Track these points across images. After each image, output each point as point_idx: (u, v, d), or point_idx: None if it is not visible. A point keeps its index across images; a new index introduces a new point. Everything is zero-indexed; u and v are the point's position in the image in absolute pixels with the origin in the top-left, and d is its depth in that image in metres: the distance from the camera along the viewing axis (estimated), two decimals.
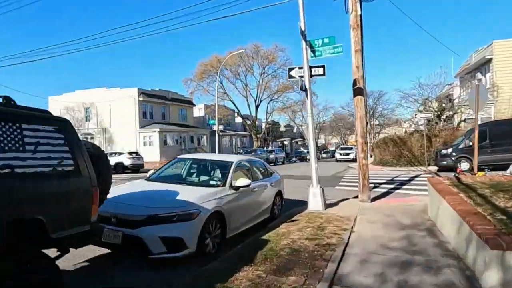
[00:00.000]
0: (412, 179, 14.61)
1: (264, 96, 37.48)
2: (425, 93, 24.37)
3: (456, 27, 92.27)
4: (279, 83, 36.13)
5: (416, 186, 12.51)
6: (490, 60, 24.16)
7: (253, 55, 34.69)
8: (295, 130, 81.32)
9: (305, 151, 60.49)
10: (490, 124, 17.46)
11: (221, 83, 35.34)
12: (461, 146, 17.60)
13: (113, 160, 22.82)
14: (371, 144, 29.65)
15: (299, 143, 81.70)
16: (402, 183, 13.29)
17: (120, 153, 25.69)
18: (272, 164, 34.06)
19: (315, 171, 8.74)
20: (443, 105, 23.84)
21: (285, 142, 75.03)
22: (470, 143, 17.40)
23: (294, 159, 46.75)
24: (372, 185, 13.14)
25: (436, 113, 21.36)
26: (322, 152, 67.14)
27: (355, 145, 53.16)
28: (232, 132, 47.62)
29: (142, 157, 26.57)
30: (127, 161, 24.84)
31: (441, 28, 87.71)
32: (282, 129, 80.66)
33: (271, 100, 37.64)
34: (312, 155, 8.93)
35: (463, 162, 17.40)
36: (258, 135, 38.77)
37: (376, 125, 62.24)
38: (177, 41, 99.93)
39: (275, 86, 36.55)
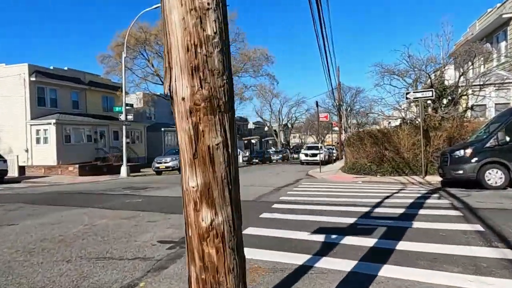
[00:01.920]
0: (412, 212, 6.81)
1: None
2: (416, 70, 16.79)
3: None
4: None
5: (431, 238, 4.65)
6: (507, 21, 16.95)
7: None
8: (266, 128, 73.45)
9: (272, 150, 52.82)
10: None
11: (148, 60, 26.90)
12: (489, 144, 10.04)
13: None
14: (344, 140, 22.11)
15: (270, 142, 73.99)
16: (394, 229, 5.45)
17: None
18: None
19: None
20: (445, 82, 16.33)
21: (253, 141, 67.13)
22: (507, 139, 9.87)
23: (254, 160, 38.88)
24: (321, 237, 5.28)
25: (435, 94, 13.78)
26: (292, 152, 59.75)
27: (332, 145, 45.66)
28: None
29: (3, 160, 17.85)
30: None
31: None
32: (251, 126, 72.73)
33: None
34: None
35: (493, 171, 9.88)
36: None
37: (353, 124, 55.67)
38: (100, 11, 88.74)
39: None
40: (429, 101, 15.41)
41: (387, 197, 8.79)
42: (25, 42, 75.64)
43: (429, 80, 15.52)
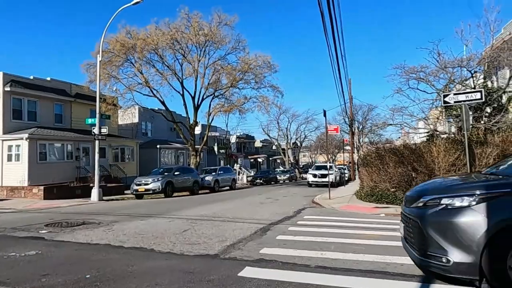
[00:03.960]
0: None
1: (209, 92, 26.32)
2: (449, 71, 13.44)
3: None
4: (224, 72, 24.88)
5: None
6: None
7: (185, 31, 23.74)
8: (274, 147, 70.02)
9: (279, 170, 49.32)
10: None
11: (140, 72, 24.18)
12: None
13: None
14: (358, 159, 18.74)
15: (278, 161, 70.43)
16: None
17: None
18: (210, 191, 22.70)
19: None
20: (490, 84, 12.94)
21: (259, 160, 63.75)
22: None
23: (258, 180, 35.48)
24: None
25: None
26: (302, 172, 56.19)
27: (344, 164, 41.94)
28: (179, 145, 36.28)
29: None
30: None
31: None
32: (258, 144, 69.55)
33: (214, 96, 26.42)
34: None
35: None
36: (196, 148, 27.28)
37: (365, 143, 52.35)
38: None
39: (221, 76, 25.23)
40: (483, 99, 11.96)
41: None
42: (16, 54, 74.09)
43: (471, 80, 12.15)
